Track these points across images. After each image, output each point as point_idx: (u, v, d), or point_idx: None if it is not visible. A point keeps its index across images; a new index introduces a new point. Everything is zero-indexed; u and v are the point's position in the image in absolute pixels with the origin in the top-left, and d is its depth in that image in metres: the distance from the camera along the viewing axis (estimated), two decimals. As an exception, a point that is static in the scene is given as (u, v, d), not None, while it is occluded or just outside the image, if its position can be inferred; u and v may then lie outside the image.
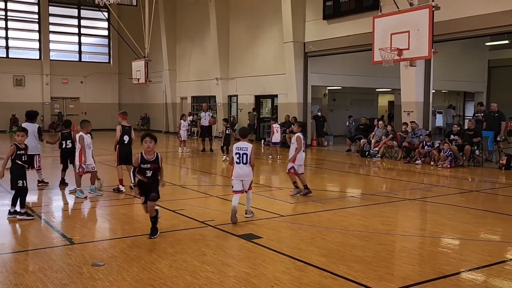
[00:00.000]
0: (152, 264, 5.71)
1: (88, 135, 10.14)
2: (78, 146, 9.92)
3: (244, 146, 7.82)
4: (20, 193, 7.91)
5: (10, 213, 7.95)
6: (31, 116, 11.11)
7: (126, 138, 10.46)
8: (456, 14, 15.54)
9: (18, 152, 7.94)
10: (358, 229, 7.49)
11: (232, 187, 7.94)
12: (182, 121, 20.55)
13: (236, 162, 7.78)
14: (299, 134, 10.06)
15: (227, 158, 15.98)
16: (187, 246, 6.44)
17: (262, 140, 23.90)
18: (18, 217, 7.87)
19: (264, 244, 6.52)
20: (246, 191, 7.96)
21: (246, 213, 8.10)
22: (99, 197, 9.96)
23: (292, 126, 21.74)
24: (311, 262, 5.81)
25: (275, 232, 7.31)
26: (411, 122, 17.23)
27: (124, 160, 10.51)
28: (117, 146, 10.42)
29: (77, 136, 9.98)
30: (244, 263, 5.74)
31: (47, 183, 11.23)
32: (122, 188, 10.42)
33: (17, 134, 8.11)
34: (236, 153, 7.78)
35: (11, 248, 6.56)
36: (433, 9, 12.72)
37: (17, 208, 7.94)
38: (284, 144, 20.87)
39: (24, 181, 7.92)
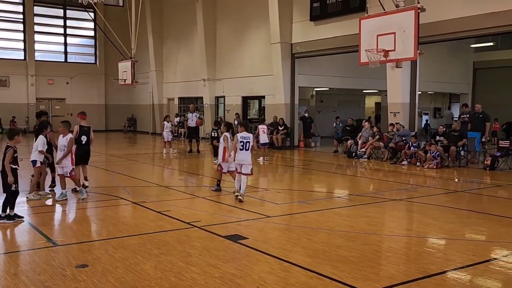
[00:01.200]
0: (137, 265, 5.66)
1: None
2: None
3: (247, 135, 9.54)
4: (12, 197, 7.75)
5: (1, 217, 7.71)
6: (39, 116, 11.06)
7: (84, 138, 10.57)
8: (441, 16, 15.67)
9: (15, 155, 7.81)
10: (344, 229, 7.50)
11: (222, 168, 9.89)
12: (165, 122, 20.48)
13: (240, 149, 9.40)
14: (226, 134, 10.38)
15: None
16: (172, 247, 6.39)
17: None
18: (6, 221, 7.65)
19: (250, 245, 6.50)
20: (243, 174, 9.48)
21: (239, 195, 9.42)
22: (84, 198, 9.86)
23: (279, 127, 21.82)
24: (296, 262, 5.80)
25: (261, 233, 7.29)
26: (396, 123, 17.35)
27: (82, 160, 10.61)
28: (75, 146, 10.33)
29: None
30: (230, 264, 5.72)
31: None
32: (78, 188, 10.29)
33: (19, 136, 8.02)
34: (240, 142, 9.41)
35: (-7, 250, 6.45)
36: (419, 11, 12.83)
37: None
38: (272, 145, 20.92)
39: (17, 185, 7.79)
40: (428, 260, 6.04)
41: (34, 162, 9.72)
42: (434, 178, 13.64)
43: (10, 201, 7.77)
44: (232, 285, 5.07)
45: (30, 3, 33.95)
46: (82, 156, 10.60)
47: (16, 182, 7.76)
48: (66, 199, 9.69)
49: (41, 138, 9.76)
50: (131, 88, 31.00)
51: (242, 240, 6.71)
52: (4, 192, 7.82)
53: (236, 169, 9.73)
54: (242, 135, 9.52)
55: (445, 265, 5.91)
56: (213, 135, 16.22)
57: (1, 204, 7.80)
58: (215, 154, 15.59)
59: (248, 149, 9.47)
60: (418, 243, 7.06)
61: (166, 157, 18.85)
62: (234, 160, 9.62)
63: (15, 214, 7.80)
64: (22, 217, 7.90)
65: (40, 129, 10.05)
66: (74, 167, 9.84)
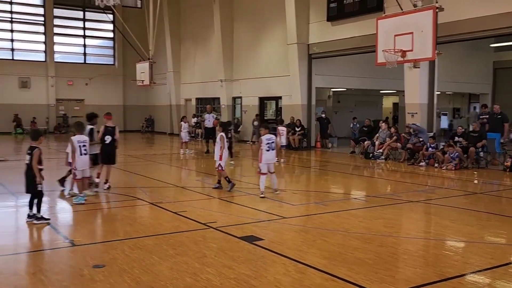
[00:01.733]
0: (153, 266, 5.70)
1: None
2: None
3: (271, 137, 10.38)
4: (38, 197, 7.84)
5: (29, 216, 7.85)
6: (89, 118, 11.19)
7: (108, 138, 10.86)
8: (459, 15, 15.47)
9: (41, 155, 7.93)
10: (360, 231, 7.46)
11: (260, 170, 10.11)
12: (182, 123, 20.64)
13: (266, 150, 10.05)
14: (222, 133, 10.92)
15: (229, 161, 16.05)
16: (188, 248, 6.43)
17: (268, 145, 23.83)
18: (35, 221, 7.74)
19: (265, 246, 6.50)
20: (271, 173, 10.28)
21: (276, 191, 10.28)
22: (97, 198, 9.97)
23: (296, 128, 21.78)
24: (312, 264, 5.79)
25: (276, 234, 7.29)
26: (412, 124, 17.17)
27: (106, 159, 10.90)
28: (100, 146, 10.78)
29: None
30: (245, 265, 5.73)
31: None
32: (97, 180, 10.77)
33: (43, 137, 8.16)
34: (266, 143, 10.10)
35: (13, 249, 6.57)
36: (437, 10, 12.67)
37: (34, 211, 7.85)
38: (288, 145, 20.89)
39: (42, 185, 7.89)
40: (445, 263, 5.97)
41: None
42: (453, 179, 13.47)
43: (37, 202, 7.83)
44: (246, 286, 5.08)
45: (50, 6, 34.44)
46: (106, 156, 10.85)
47: (41, 182, 7.84)
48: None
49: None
50: (149, 89, 31.24)
51: (257, 241, 6.72)
52: (29, 192, 7.88)
53: (261, 170, 10.19)
54: (267, 137, 10.25)
55: (463, 268, 5.84)
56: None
57: (28, 203, 7.88)
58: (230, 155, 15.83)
59: (273, 149, 10.27)
60: (435, 245, 6.99)
61: (183, 157, 18.95)
62: (261, 162, 10.14)
63: (41, 216, 7.86)
64: (49, 219, 7.95)
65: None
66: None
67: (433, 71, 17.51)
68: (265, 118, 25.87)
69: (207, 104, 27.25)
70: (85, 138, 9.58)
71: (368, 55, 18.23)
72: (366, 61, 20.68)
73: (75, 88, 35.72)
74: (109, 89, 36.81)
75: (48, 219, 7.94)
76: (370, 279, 5.31)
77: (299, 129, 21.79)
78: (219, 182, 11.14)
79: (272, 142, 10.26)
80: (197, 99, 31.63)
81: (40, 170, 7.83)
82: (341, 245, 6.64)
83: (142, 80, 26.19)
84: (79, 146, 9.40)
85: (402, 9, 14.05)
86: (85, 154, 9.46)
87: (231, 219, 8.23)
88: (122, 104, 37.34)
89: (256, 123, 24.84)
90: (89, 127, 10.61)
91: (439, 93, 19.68)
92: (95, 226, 8.21)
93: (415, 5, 13.59)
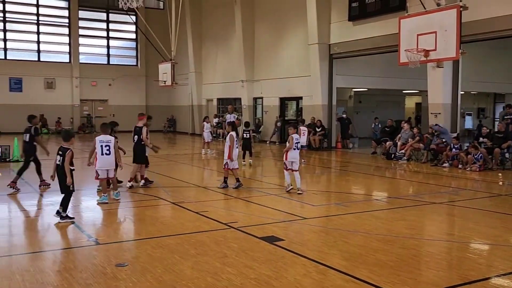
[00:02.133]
0: (175, 265, 5.76)
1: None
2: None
3: (298, 136, 10.94)
4: (69, 196, 7.99)
5: (58, 213, 7.99)
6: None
7: (135, 138, 11.33)
8: (484, 14, 15.22)
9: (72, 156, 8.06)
10: (382, 232, 7.41)
11: (286, 166, 10.63)
12: (205, 123, 20.76)
13: (294, 149, 10.62)
14: (232, 133, 11.26)
15: (249, 161, 16.11)
16: (209, 248, 6.48)
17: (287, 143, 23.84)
18: (60, 220, 7.87)
19: (285, 247, 6.51)
20: (294, 171, 10.64)
21: (298, 190, 10.51)
22: (123, 198, 10.10)
23: (316, 128, 21.71)
24: (332, 265, 5.78)
25: (297, 234, 7.29)
26: (435, 125, 16.94)
27: (133, 159, 11.41)
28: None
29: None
30: (266, 266, 5.75)
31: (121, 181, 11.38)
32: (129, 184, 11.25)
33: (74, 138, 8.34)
34: (296, 142, 10.66)
35: (39, 247, 6.71)
36: (461, 9, 12.48)
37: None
38: (309, 146, 20.83)
39: (74, 185, 8.01)
40: (469, 266, 5.90)
41: None
42: (477, 181, 13.27)
43: (68, 201, 7.98)
44: (267, 287, 5.10)
45: (75, 8, 35.03)
46: (134, 155, 11.27)
47: (73, 182, 7.96)
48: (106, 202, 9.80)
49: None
50: (171, 89, 31.49)
51: (278, 242, 6.73)
52: (62, 193, 7.98)
53: (287, 166, 10.72)
54: (296, 136, 10.81)
55: (487, 271, 5.76)
56: (244, 136, 16.28)
57: (61, 203, 7.98)
58: (244, 155, 16.02)
59: (299, 149, 11.00)
60: (458, 248, 6.90)
61: (205, 157, 19.07)
62: (287, 159, 10.68)
63: (67, 215, 7.99)
64: (73, 218, 8.07)
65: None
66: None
67: (457, 70, 17.26)
68: (286, 118, 25.85)
69: (228, 104, 27.39)
70: (109, 138, 9.58)
71: (390, 54, 18.07)
72: (388, 61, 20.50)
73: (99, 88, 36.25)
74: (132, 89, 37.25)
75: (73, 218, 8.07)
76: (391, 281, 5.27)
77: (319, 129, 21.72)
78: (225, 181, 11.32)
79: (298, 142, 10.84)
80: (219, 99, 31.77)
81: (72, 170, 7.95)
82: (362, 247, 6.60)
83: (164, 81, 26.42)
84: (101, 146, 9.46)
85: (425, 8, 13.89)
86: (108, 154, 9.48)
87: (252, 219, 8.26)
88: (145, 104, 37.73)
89: (279, 123, 24.86)
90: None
91: (463, 93, 19.38)
92: (118, 225, 8.32)
93: (438, 4, 13.43)
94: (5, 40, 33.49)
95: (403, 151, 17.61)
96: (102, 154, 9.47)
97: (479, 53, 22.68)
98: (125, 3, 20.14)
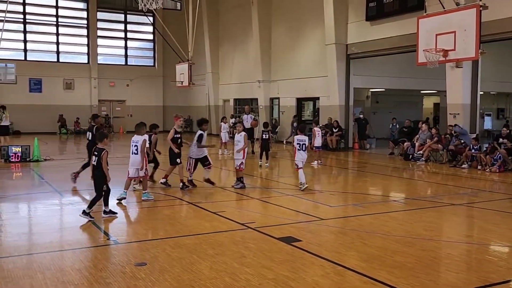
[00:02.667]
0: (193, 265, 5.80)
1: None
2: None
3: (303, 138, 11.14)
4: (105, 195, 8.25)
5: (105, 212, 8.31)
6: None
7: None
8: (504, 13, 15.01)
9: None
10: (400, 234, 7.36)
11: (297, 166, 11.03)
12: (222, 123, 20.84)
13: (297, 149, 11.01)
14: (244, 133, 11.55)
15: (266, 165, 16.13)
16: (227, 248, 6.51)
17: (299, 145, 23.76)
18: (103, 215, 8.26)
19: (303, 248, 6.51)
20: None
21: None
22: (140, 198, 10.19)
23: (333, 128, 21.62)
24: (350, 266, 5.76)
25: (315, 235, 7.28)
26: (456, 125, 16.76)
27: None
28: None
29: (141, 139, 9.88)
30: (283, 266, 5.75)
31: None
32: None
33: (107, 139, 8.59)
34: (297, 143, 11.03)
35: (59, 246, 6.80)
36: (481, 8, 12.32)
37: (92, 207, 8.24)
38: (326, 146, 20.77)
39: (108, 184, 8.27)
40: (489, 269, 5.83)
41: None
42: (496, 182, 13.10)
43: (93, 199, 8.21)
44: (285, 287, 5.10)
45: (93, 9, 35.41)
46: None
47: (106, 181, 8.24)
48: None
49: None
50: (188, 90, 31.64)
51: (295, 243, 6.73)
52: (98, 191, 8.22)
53: (297, 166, 11.08)
54: (298, 137, 11.09)
55: (507, 274, 5.69)
56: (264, 137, 16.26)
57: (103, 201, 8.33)
58: (261, 156, 16.00)
59: (304, 150, 11.12)
60: (478, 250, 6.82)
61: (222, 158, 19.12)
62: (295, 159, 11.12)
63: (110, 210, 8.38)
64: (116, 212, 8.47)
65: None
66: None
67: (476, 70, 17.05)
68: (303, 119, 25.80)
69: (245, 104, 27.41)
70: (138, 138, 9.65)
71: (408, 54, 17.92)
72: (405, 61, 20.34)
73: (117, 89, 36.58)
74: (150, 90, 37.51)
75: (116, 213, 8.44)
76: (410, 283, 5.24)
77: (336, 130, 21.63)
78: (242, 181, 11.45)
79: (303, 144, 11.07)
80: (235, 99, 31.84)
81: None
82: (381, 248, 6.57)
83: (181, 81, 26.56)
84: (132, 145, 9.67)
85: (444, 8, 13.74)
86: (135, 153, 9.59)
87: (269, 220, 8.28)
88: (162, 104, 37.99)
89: (295, 124, 24.83)
90: (199, 132, 11.31)
91: (482, 93, 19.14)
92: (137, 224, 8.40)
93: (457, 4, 13.28)
94: (25, 41, 34.01)
95: (421, 152, 17.46)
96: (132, 153, 9.68)
97: (498, 53, 22.37)
98: (145, 5, 20.31)
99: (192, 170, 11.38)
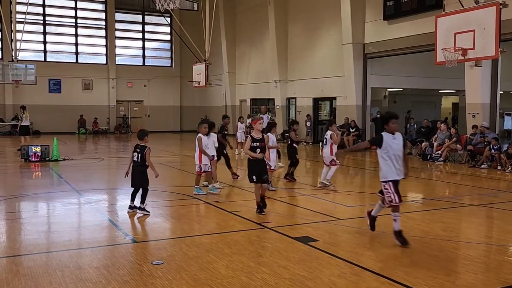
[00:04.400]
0: (209, 264, 5.82)
1: (206, 136, 10.76)
2: (196, 147, 10.50)
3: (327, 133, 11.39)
4: (144, 190, 8.55)
5: (140, 209, 8.52)
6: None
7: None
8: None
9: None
10: (418, 234, 7.28)
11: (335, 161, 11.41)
12: (239, 123, 20.89)
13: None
14: (268, 134, 10.76)
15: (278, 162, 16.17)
16: (243, 247, 6.52)
17: (320, 143, 23.73)
18: (138, 212, 8.50)
19: (320, 247, 6.48)
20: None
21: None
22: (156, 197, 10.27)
23: (350, 128, 21.52)
24: (367, 267, 5.72)
25: (331, 235, 7.26)
26: (481, 125, 16.48)
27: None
28: None
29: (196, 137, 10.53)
30: (300, 266, 5.74)
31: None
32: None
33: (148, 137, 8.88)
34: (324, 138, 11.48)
35: (77, 244, 6.89)
36: (501, 6, 12.18)
37: (136, 203, 8.59)
38: (343, 146, 20.66)
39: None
40: (509, 270, 5.74)
41: (212, 156, 10.90)
42: (517, 183, 12.90)
43: (142, 194, 8.54)
44: (301, 287, 5.09)
45: (112, 10, 35.80)
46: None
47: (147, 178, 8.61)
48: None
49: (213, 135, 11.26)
50: (204, 90, 31.81)
51: (312, 242, 6.71)
52: (136, 187, 8.56)
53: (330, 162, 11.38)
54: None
55: (527, 276, 5.59)
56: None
57: (131, 195, 8.66)
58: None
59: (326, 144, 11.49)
60: (498, 251, 6.73)
61: (238, 157, 19.15)
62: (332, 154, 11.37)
63: (144, 207, 8.57)
64: (149, 211, 8.61)
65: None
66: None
67: (496, 69, 16.82)
68: (319, 118, 25.72)
69: (261, 105, 27.46)
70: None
71: (426, 54, 17.78)
72: (423, 60, 20.17)
73: (134, 89, 36.92)
74: (167, 90, 37.79)
75: (148, 212, 8.54)
76: (428, 284, 5.18)
77: (353, 130, 21.52)
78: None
79: (325, 138, 11.39)
80: (252, 99, 31.88)
81: (147, 166, 8.52)
82: (398, 248, 6.51)
83: (198, 81, 26.72)
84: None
85: (463, 6, 13.60)
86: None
87: (286, 220, 8.27)
88: (179, 105, 38.22)
89: (308, 123, 24.81)
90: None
91: (502, 92, 18.87)
92: (154, 223, 8.45)
93: (477, 2, 13.13)
94: (45, 43, 34.52)
95: (439, 152, 17.27)
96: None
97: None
98: (162, 5, 20.47)
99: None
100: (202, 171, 10.52)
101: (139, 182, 8.52)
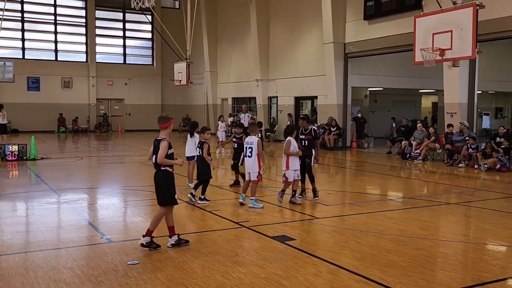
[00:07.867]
0: (185, 263, 5.79)
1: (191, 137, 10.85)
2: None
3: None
4: (206, 182, 9.36)
5: (201, 199, 9.32)
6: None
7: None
8: (501, 12, 15.01)
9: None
10: (395, 233, 7.35)
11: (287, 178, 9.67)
12: (219, 122, 20.83)
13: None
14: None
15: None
16: (220, 247, 6.49)
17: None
18: (199, 201, 9.25)
19: (297, 246, 6.50)
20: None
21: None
22: (136, 197, 10.18)
23: (331, 127, 21.61)
24: (343, 265, 5.75)
25: (309, 234, 7.28)
26: (460, 123, 16.66)
27: None
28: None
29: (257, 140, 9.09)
30: (276, 265, 5.74)
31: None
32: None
33: (207, 133, 9.68)
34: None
35: (53, 244, 6.78)
36: (478, 7, 12.33)
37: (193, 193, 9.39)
38: (324, 145, 20.77)
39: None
40: (482, 268, 5.82)
41: (193, 157, 10.53)
42: (493, 181, 13.09)
43: (204, 186, 9.37)
44: (277, 286, 5.09)
45: (92, 8, 35.38)
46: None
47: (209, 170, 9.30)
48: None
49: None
50: (186, 89, 31.62)
51: (289, 241, 6.72)
52: (200, 179, 9.38)
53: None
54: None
55: (501, 273, 5.68)
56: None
57: (195, 185, 9.57)
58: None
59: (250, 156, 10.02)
60: (473, 249, 6.81)
61: (219, 156, 19.10)
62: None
63: (204, 197, 9.36)
64: (210, 200, 9.38)
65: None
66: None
67: (473, 69, 17.05)
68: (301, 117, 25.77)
69: (243, 103, 27.42)
70: (252, 139, 9.07)
71: (406, 53, 17.91)
72: (404, 60, 20.32)
73: (115, 88, 36.57)
74: (148, 88, 37.50)
75: (209, 200, 9.35)
76: (403, 282, 5.23)
77: (334, 129, 21.63)
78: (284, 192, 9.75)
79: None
80: (233, 98, 31.83)
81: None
82: (374, 247, 6.56)
83: (180, 80, 26.57)
84: (246, 147, 9.14)
85: (441, 7, 13.76)
86: (249, 156, 9.04)
87: (264, 219, 8.26)
88: (160, 103, 37.97)
89: (289, 122, 24.84)
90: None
91: (480, 92, 19.14)
92: (132, 223, 8.39)
93: (454, 3, 13.28)
94: (23, 40, 33.98)
95: (418, 151, 17.46)
96: (245, 156, 9.15)
97: (496, 52, 22.37)
98: (137, 3, 20.30)
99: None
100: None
101: (201, 174, 9.37)
